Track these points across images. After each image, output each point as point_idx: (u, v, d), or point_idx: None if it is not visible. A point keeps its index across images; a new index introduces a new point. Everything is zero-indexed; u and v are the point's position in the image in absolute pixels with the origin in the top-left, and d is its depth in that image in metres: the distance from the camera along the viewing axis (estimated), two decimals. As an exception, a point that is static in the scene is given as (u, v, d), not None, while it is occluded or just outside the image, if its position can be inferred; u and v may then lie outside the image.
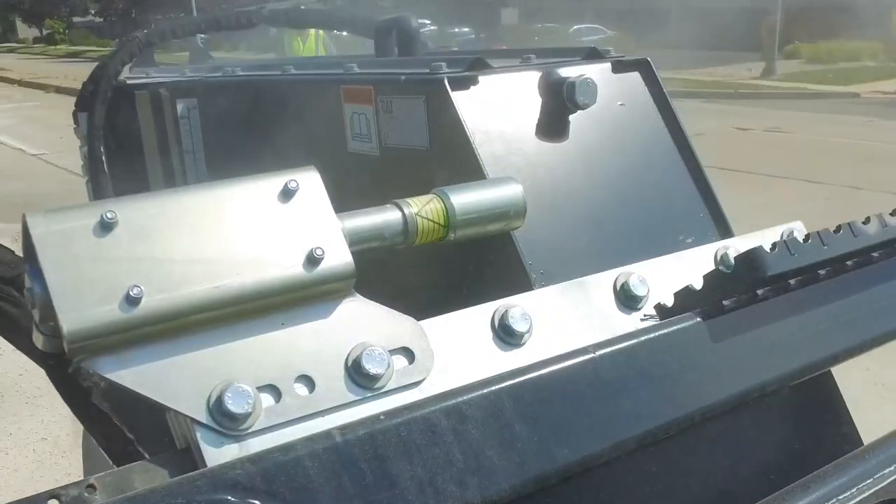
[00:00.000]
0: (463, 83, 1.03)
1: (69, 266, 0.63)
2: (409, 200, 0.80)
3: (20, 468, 3.56)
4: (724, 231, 1.12)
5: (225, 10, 1.62)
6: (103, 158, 1.44)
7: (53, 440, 3.67)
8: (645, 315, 0.88)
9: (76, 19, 64.86)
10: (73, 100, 1.59)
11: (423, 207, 0.80)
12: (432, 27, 34.21)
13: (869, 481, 0.81)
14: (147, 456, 0.94)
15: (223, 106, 1.55)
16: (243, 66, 1.61)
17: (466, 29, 32.89)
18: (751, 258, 0.79)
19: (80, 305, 0.63)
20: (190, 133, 1.56)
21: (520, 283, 0.97)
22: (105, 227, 0.66)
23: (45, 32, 62.05)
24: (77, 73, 26.67)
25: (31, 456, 3.63)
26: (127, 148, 1.66)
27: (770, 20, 20.30)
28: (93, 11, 57.17)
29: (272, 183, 0.73)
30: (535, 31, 27.45)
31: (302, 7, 1.63)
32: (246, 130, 1.53)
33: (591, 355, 0.73)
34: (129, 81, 1.59)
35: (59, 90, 22.02)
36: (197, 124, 1.56)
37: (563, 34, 27.31)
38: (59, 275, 0.63)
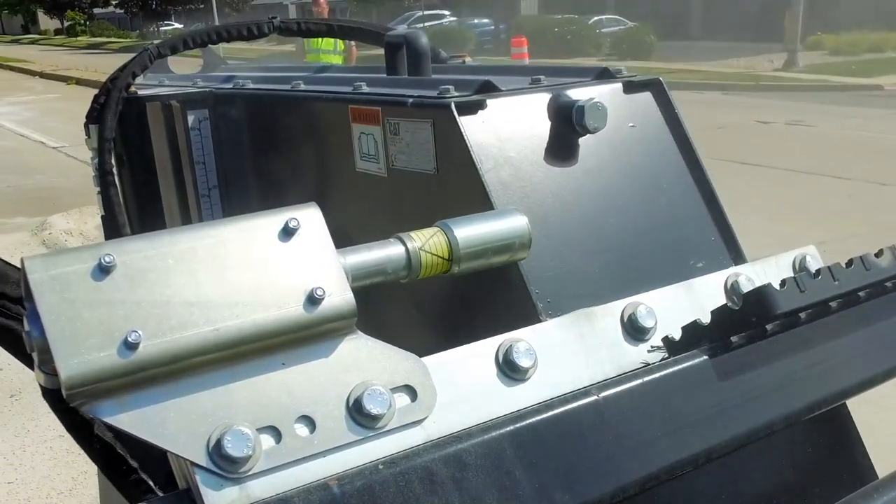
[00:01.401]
0: (471, 108, 1.02)
1: (67, 311, 0.63)
2: (413, 234, 0.79)
3: (37, 465, 3.58)
4: (736, 255, 1.10)
5: (237, 21, 1.61)
6: (113, 171, 1.44)
7: (70, 438, 3.69)
8: (652, 347, 0.87)
9: (97, 11, 65.26)
10: (93, 92, 1.59)
11: (426, 241, 0.79)
12: (452, 19, 34.15)
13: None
14: (151, 483, 0.94)
15: (234, 118, 1.54)
16: (254, 77, 1.60)
17: (486, 20, 32.76)
18: (760, 296, 0.78)
19: (78, 351, 0.62)
20: (201, 144, 1.56)
21: (526, 312, 0.96)
22: (103, 270, 0.65)
23: (66, 24, 62.44)
24: (98, 64, 26.88)
25: (49, 454, 3.66)
26: (138, 159, 1.66)
27: (793, 10, 20.05)
28: (114, 3, 57.45)
29: (272, 221, 0.72)
30: (555, 22, 27.26)
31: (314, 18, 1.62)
32: (256, 143, 1.53)
33: (595, 398, 0.72)
34: (140, 92, 1.59)
35: (79, 82, 22.15)
36: (208, 135, 1.56)
37: (583, 25, 27.11)
38: (57, 320, 0.63)
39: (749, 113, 13.59)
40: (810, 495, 1.00)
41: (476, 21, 32.88)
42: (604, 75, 1.15)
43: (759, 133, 11.89)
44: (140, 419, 0.64)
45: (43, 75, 26.10)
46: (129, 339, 0.63)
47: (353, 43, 11.02)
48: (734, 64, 21.45)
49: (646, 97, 1.15)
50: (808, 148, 10.58)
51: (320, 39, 10.26)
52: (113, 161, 1.49)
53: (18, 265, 1.10)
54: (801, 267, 1.03)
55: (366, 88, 1.22)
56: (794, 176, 9.01)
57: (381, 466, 0.63)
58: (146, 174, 1.70)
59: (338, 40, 10.42)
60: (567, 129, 1.04)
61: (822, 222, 7.05)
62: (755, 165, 9.39)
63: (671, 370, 0.77)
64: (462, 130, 1.00)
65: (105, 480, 1.75)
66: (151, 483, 0.95)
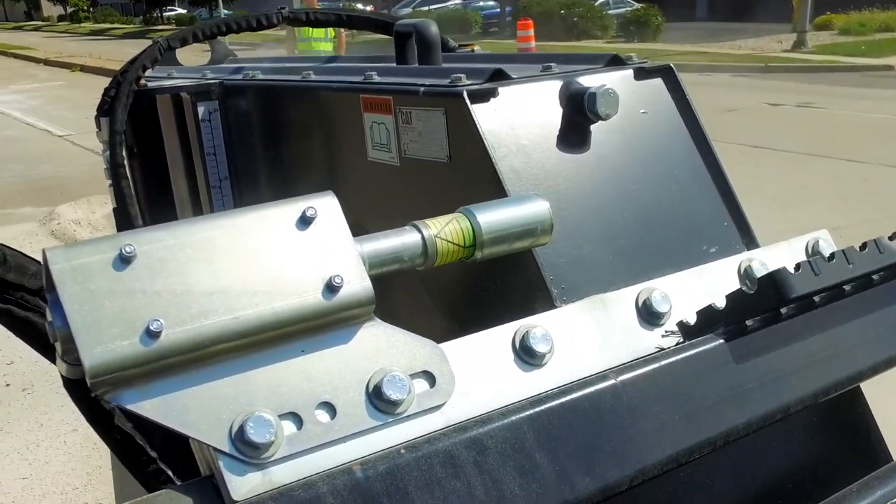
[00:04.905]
0: (482, 96, 1.02)
1: (89, 301, 0.64)
2: (429, 222, 0.80)
3: (51, 460, 3.57)
4: (748, 240, 1.10)
5: (246, 13, 1.61)
6: (125, 163, 1.45)
7: (84, 432, 3.66)
8: (667, 331, 0.87)
9: (101, -3, 65.12)
10: (98, 79, 1.60)
11: (442, 229, 0.80)
12: (457, 2, 34.00)
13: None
14: (170, 473, 0.95)
15: (244, 109, 1.55)
16: (263, 68, 1.61)
17: (492, 3, 32.62)
18: (775, 279, 0.78)
19: (101, 340, 0.63)
20: (211, 136, 1.57)
21: (541, 298, 0.97)
22: (124, 260, 0.66)
23: (69, 10, 62.34)
24: (102, 51, 26.82)
25: (63, 448, 3.64)
26: (149, 151, 1.67)
27: (802, -10, 19.87)
28: (117, -10, 57.27)
29: (290, 210, 0.73)
30: (561, 4, 27.10)
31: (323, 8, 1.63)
32: (267, 134, 1.54)
33: (613, 381, 0.73)
34: (150, 84, 1.60)
35: (84, 69, 22.07)
36: (218, 127, 1.56)
37: (589, 7, 26.97)
38: (80, 310, 0.63)
39: (758, 95, 13.50)
40: (825, 478, 1.00)
41: (481, 4, 32.73)
42: (615, 62, 1.15)
43: (769, 116, 11.81)
44: (162, 407, 0.65)
45: (47, 62, 26.03)
46: (151, 328, 0.64)
47: (343, 32, 11.03)
48: (742, 45, 21.32)
49: (657, 83, 1.15)
50: (819, 130, 10.49)
51: (311, 30, 10.29)
52: (124, 153, 1.50)
53: (34, 257, 1.12)
54: (814, 251, 1.03)
55: (377, 78, 1.23)
56: (807, 159, 8.94)
57: (403, 451, 0.64)
58: (157, 166, 1.71)
59: (328, 29, 10.43)
60: (579, 116, 1.04)
61: (836, 207, 7.01)
62: (766, 149, 9.33)
63: (688, 354, 0.77)
64: (474, 118, 1.00)
65: (120, 475, 1.76)
66: (170, 473, 0.96)
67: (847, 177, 8.14)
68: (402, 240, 0.78)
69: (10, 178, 9.80)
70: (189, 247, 0.68)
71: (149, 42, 1.62)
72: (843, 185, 7.83)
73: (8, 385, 4.30)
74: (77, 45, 33.50)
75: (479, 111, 1.01)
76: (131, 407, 0.65)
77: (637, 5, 27.29)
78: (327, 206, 0.73)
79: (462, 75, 1.04)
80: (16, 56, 29.82)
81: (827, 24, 23.47)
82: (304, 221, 0.72)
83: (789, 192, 7.46)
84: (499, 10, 31.84)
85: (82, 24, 54.55)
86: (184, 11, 51.31)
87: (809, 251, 1.03)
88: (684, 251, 1.05)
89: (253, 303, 0.68)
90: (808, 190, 7.63)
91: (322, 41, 10.39)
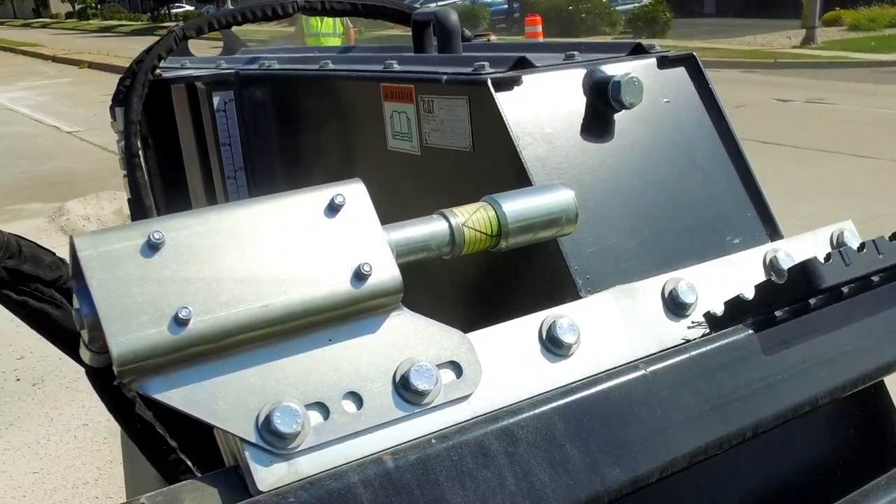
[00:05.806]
0: (506, 84, 1.01)
1: (117, 288, 0.63)
2: (456, 210, 0.79)
3: (62, 455, 3.57)
4: (772, 231, 1.09)
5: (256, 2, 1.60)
6: (139, 153, 1.44)
7: (94, 426, 3.69)
8: (693, 322, 0.87)
9: (109, -7, 65.11)
10: (106, 75, 1.58)
11: (469, 217, 0.79)
12: (463, -3, 33.91)
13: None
14: (189, 463, 0.95)
15: (260, 99, 1.54)
16: (280, 58, 1.60)
17: (499, -2, 32.53)
18: (805, 270, 0.77)
19: (129, 327, 0.62)
20: (226, 126, 1.56)
21: (565, 288, 0.96)
22: (152, 247, 0.65)
23: (77, 7, 62.34)
24: (110, 47, 26.83)
25: (73, 443, 3.64)
26: (163, 141, 1.67)
27: (811, -15, 19.76)
28: (125, -14, 57.31)
29: (318, 197, 0.72)
30: (569, -1, 27.00)
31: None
32: (283, 124, 1.53)
33: (643, 372, 0.72)
34: (165, 74, 1.59)
35: (92, 65, 22.09)
36: (234, 117, 1.56)
37: (597, 2, 26.87)
38: (108, 297, 0.63)
39: (768, 91, 13.44)
40: (848, 472, 0.99)
41: (489, 0, 32.64)
42: (638, 50, 1.14)
43: (778, 111, 11.75)
44: (189, 396, 0.65)
45: (55, 59, 26.04)
46: (180, 316, 0.63)
47: (351, 27, 10.99)
48: (751, 41, 21.22)
49: (679, 72, 1.14)
50: (829, 126, 10.44)
51: (320, 23, 10.25)
52: (139, 144, 1.49)
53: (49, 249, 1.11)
54: (839, 242, 1.02)
55: (397, 66, 1.22)
56: (817, 155, 8.90)
57: (433, 441, 0.63)
58: (171, 156, 1.70)
59: (337, 23, 10.38)
60: (603, 104, 1.03)
61: (846, 202, 6.97)
62: (776, 144, 9.29)
63: (718, 344, 0.76)
64: (499, 107, 0.99)
65: (131, 469, 1.76)
66: (190, 463, 0.96)
67: (857, 172, 8.10)
68: (429, 228, 0.78)
69: (19, 173, 9.81)
70: (217, 234, 0.68)
71: (156, 39, 1.61)
72: (853, 180, 7.79)
73: (18, 380, 4.30)
74: (85, 41, 33.51)
75: (503, 99, 1.00)
76: (158, 396, 0.64)
77: (645, 1, 27.18)
78: (356, 194, 0.72)
79: (485, 63, 1.03)
80: (24, 53, 29.85)
81: (836, 20, 23.32)
82: (333, 209, 0.71)
83: (799, 187, 7.42)
84: (506, 5, 31.76)
85: (90, 21, 54.61)
86: (191, 8, 51.30)
87: (834, 242, 1.02)
88: (709, 242, 1.05)
89: (282, 290, 0.67)
90: (817, 185, 7.60)
91: (330, 36, 10.36)
